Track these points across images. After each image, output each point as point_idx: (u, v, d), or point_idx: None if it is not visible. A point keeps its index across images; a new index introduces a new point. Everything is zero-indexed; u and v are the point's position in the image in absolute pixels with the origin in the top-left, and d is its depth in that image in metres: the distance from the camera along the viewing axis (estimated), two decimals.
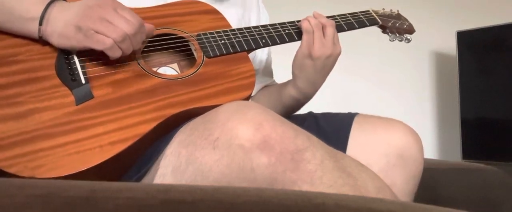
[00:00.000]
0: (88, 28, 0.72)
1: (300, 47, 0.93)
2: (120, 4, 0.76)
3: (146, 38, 0.80)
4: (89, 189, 0.45)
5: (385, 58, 2.35)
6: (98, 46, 0.72)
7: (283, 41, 0.94)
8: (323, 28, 0.92)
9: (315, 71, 0.93)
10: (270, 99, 1.04)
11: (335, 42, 0.92)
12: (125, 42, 0.73)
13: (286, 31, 0.95)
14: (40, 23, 0.73)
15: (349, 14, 1.04)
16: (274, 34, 0.94)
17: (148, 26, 0.79)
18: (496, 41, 2.27)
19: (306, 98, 0.99)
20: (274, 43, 0.93)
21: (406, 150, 0.86)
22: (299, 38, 0.94)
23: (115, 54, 0.73)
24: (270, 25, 0.95)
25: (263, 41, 0.92)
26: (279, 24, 0.96)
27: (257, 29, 0.93)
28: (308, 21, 0.92)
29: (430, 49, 2.50)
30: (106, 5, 0.74)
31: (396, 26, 1.09)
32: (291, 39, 0.95)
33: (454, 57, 2.35)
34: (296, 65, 0.94)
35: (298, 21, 0.96)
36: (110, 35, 0.72)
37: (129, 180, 0.71)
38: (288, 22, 0.97)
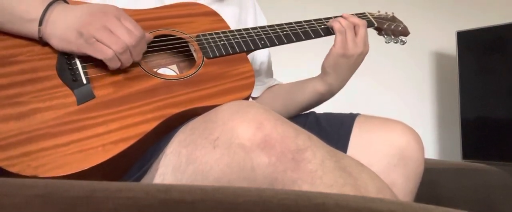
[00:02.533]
0: (90, 35, 0.71)
1: (334, 46, 0.95)
2: (123, 12, 0.76)
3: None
4: (89, 189, 0.45)
5: (385, 58, 2.35)
6: (98, 55, 0.73)
7: (281, 43, 0.95)
8: (355, 27, 0.96)
9: (348, 68, 0.96)
10: (290, 95, 1.05)
11: (365, 41, 0.96)
12: (125, 54, 0.74)
13: (284, 32, 0.96)
14: (40, 24, 0.73)
15: None
16: (272, 35, 0.94)
17: (147, 35, 0.79)
18: (496, 41, 2.27)
19: (331, 94, 1.02)
20: (273, 44, 0.94)
21: (406, 150, 0.86)
22: (297, 39, 0.96)
23: (114, 65, 0.74)
24: (268, 26, 0.96)
25: (262, 42, 0.92)
26: (277, 25, 0.97)
27: (255, 31, 0.94)
28: (339, 22, 0.95)
29: (430, 49, 2.50)
30: (109, 12, 0.73)
31: (391, 28, 1.11)
32: (289, 41, 0.96)
33: (454, 57, 2.35)
34: (329, 64, 0.96)
35: (296, 22, 0.98)
36: (111, 46, 0.72)
37: (129, 179, 0.71)
38: (286, 24, 0.97)
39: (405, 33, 1.13)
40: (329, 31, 0.99)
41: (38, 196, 0.43)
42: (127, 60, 0.75)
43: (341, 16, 1.00)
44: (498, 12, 2.43)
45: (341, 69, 0.96)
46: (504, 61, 2.24)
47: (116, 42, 0.72)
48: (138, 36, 0.74)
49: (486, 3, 2.51)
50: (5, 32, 0.75)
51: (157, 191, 0.45)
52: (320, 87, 0.99)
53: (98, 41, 0.72)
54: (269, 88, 1.12)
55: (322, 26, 0.99)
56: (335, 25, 0.95)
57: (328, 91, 1.00)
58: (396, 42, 1.13)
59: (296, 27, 0.97)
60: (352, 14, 1.02)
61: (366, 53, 0.97)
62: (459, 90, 2.32)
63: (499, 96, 2.24)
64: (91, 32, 0.71)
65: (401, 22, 1.14)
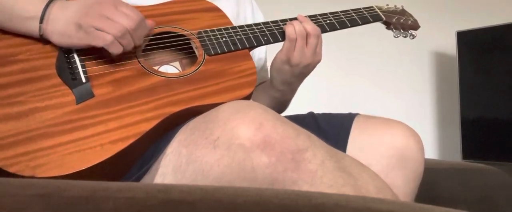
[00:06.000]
0: (88, 25, 0.72)
1: (280, 51, 0.93)
2: (119, 0, 0.76)
3: (147, 36, 0.80)
4: (89, 189, 0.45)
5: (385, 58, 2.35)
6: (98, 43, 0.73)
7: (285, 38, 0.93)
8: (307, 36, 0.91)
9: (291, 76, 0.94)
10: (256, 99, 1.04)
11: (317, 52, 0.92)
12: (126, 38, 0.74)
13: None
14: (41, 22, 0.73)
15: (352, 10, 1.03)
16: (275, 31, 0.93)
17: (149, 22, 0.79)
18: (496, 41, 2.27)
19: (283, 96, 1.01)
20: (276, 40, 0.93)
21: (406, 151, 0.85)
22: None
23: (116, 50, 0.74)
24: (272, 21, 0.95)
25: (265, 38, 0.92)
26: (280, 20, 0.95)
27: (258, 26, 0.93)
28: (293, 27, 0.91)
29: (430, 49, 2.50)
30: (105, 2, 0.74)
31: (400, 22, 1.08)
32: None
33: (454, 57, 2.35)
34: (274, 68, 0.96)
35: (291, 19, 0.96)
36: (110, 31, 0.72)
37: (129, 179, 0.71)
38: (290, 19, 0.96)
39: (415, 27, 1.10)
40: (334, 27, 0.98)
41: (38, 196, 0.43)
42: (128, 44, 0.75)
43: (296, 18, 0.94)
44: (498, 12, 2.43)
45: (285, 75, 0.94)
46: (504, 61, 2.24)
47: (114, 26, 0.72)
48: (137, 19, 0.74)
49: (486, 3, 2.51)
50: (5, 30, 0.75)
51: (157, 191, 0.45)
52: (272, 91, 1.00)
53: (97, 29, 0.72)
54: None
55: (328, 21, 0.98)
56: (288, 29, 0.90)
57: (278, 92, 0.99)
58: (405, 36, 1.09)
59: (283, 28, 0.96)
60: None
61: (316, 63, 0.93)
62: (459, 90, 2.32)
63: (499, 96, 2.24)
64: (89, 22, 0.72)
65: (411, 16, 1.11)
